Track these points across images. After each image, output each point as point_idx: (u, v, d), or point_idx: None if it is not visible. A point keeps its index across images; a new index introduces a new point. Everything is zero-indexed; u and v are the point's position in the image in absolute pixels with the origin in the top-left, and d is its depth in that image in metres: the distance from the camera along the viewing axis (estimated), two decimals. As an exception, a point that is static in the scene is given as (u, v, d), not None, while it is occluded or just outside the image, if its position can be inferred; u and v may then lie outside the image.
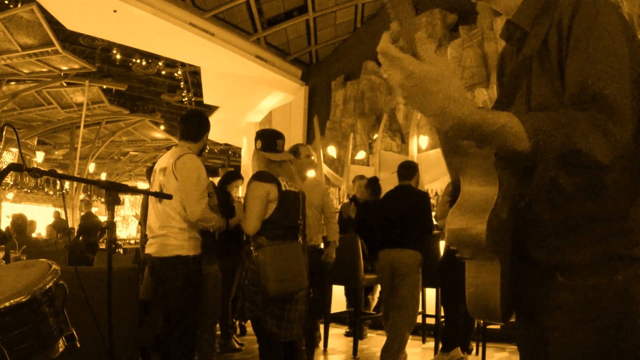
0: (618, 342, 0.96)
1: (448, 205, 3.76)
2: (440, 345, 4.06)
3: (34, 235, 9.74)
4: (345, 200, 7.72)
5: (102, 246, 8.33)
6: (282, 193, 2.84)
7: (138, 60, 15.31)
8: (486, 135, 0.86)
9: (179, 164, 2.89)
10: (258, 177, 2.88)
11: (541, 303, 1.05)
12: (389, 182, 5.45)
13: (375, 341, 5.04)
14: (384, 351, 3.80)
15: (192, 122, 3.12)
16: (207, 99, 15.16)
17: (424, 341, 4.93)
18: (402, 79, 0.84)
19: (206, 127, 3.16)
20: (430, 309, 4.74)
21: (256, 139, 3.00)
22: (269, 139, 2.96)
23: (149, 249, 2.98)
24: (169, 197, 2.57)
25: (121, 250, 11.18)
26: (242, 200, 3.34)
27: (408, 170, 4.16)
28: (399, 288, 3.89)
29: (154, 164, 3.26)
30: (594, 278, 0.97)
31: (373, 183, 5.36)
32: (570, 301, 0.99)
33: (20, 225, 7.06)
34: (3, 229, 7.82)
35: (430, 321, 4.88)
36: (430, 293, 4.64)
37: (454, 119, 0.84)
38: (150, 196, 3.11)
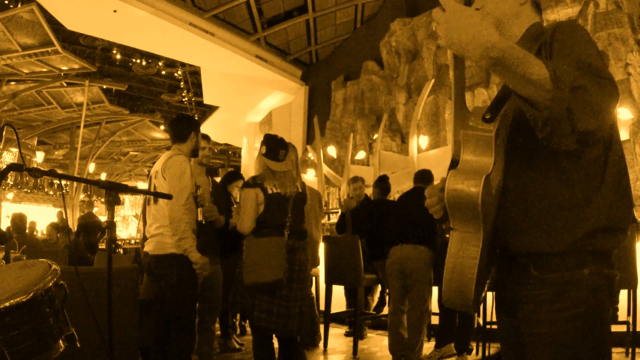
0: (585, 331, 1.07)
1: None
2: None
3: (34, 235, 9.74)
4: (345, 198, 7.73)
5: (102, 246, 8.32)
6: (267, 196, 3.04)
7: (138, 60, 15.29)
8: (518, 61, 0.98)
9: (167, 164, 2.99)
10: (246, 184, 3.16)
11: (516, 296, 1.16)
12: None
13: (375, 341, 5.04)
14: (408, 348, 3.92)
15: (178, 124, 3.22)
16: (207, 99, 15.15)
17: (429, 339, 4.93)
18: (455, 19, 1.01)
19: (192, 126, 3.23)
20: (435, 307, 4.75)
21: (262, 144, 3.14)
22: (272, 147, 3.10)
23: (147, 248, 3.06)
24: (169, 197, 2.59)
25: (121, 250, 11.19)
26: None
27: (425, 176, 4.49)
28: (411, 286, 3.98)
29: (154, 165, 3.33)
30: (564, 272, 1.08)
31: (382, 181, 5.47)
32: (541, 294, 1.10)
33: (20, 225, 7.07)
34: (3, 229, 7.81)
35: (435, 320, 4.89)
36: (434, 291, 4.64)
37: (501, 48, 0.97)
38: (146, 197, 3.18)
